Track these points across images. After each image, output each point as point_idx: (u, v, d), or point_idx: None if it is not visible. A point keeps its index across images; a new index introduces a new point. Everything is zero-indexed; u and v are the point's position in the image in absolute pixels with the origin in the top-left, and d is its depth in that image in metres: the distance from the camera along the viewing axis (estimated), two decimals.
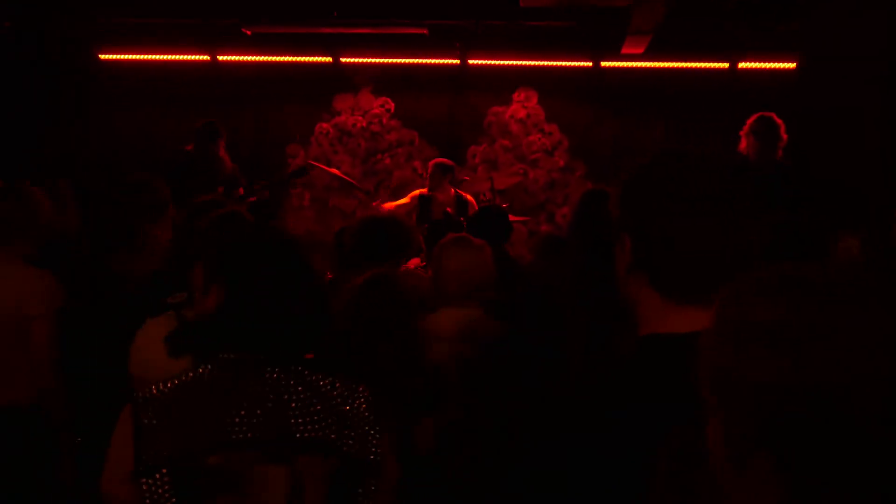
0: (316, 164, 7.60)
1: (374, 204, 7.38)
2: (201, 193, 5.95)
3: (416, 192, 7.19)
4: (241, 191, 6.36)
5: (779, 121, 5.01)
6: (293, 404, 1.61)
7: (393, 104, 8.71)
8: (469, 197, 6.93)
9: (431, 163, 7.16)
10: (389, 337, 2.58)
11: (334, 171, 7.48)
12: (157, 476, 1.54)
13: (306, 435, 1.59)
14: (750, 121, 5.07)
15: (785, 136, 4.99)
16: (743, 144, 5.09)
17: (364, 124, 8.69)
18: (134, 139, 8.56)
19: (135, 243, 3.21)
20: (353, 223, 3.86)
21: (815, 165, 5.42)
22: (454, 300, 3.21)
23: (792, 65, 7.67)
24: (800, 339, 0.79)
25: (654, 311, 1.25)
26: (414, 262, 5.62)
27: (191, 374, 1.64)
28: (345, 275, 3.41)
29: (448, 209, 6.44)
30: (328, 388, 1.66)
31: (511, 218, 7.21)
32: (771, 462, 0.79)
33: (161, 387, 1.62)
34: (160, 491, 1.54)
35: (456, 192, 6.86)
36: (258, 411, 1.59)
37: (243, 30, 8.00)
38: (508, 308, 3.26)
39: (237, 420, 1.58)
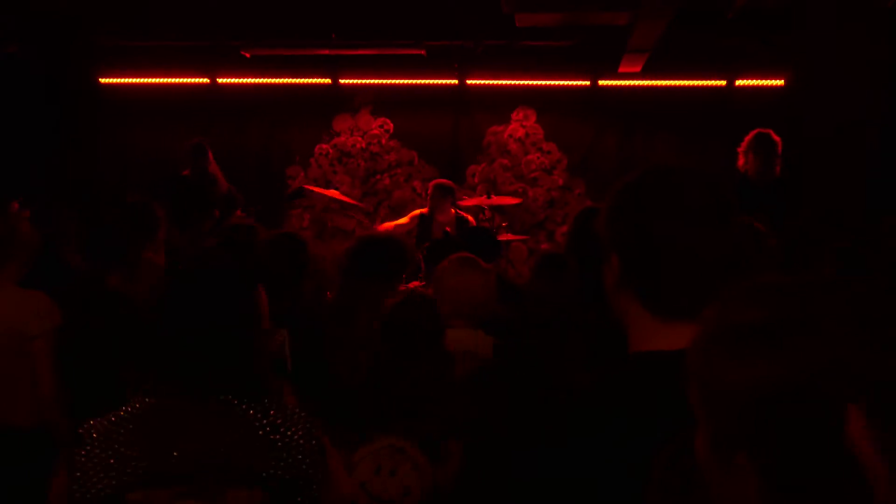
0: (313, 188, 7.61)
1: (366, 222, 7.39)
2: (200, 216, 5.98)
3: (416, 211, 7.21)
4: (239, 212, 6.37)
5: (776, 137, 5.03)
6: (220, 437, 1.60)
7: (392, 125, 8.74)
8: (469, 216, 6.95)
9: (431, 184, 7.17)
10: (423, 355, 2.57)
11: (333, 193, 7.50)
12: None
13: (232, 467, 1.57)
14: (748, 138, 5.08)
15: (780, 152, 5.01)
16: (741, 161, 5.10)
17: (363, 145, 8.72)
18: (133, 161, 8.59)
19: (130, 265, 3.21)
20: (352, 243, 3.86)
21: (810, 179, 5.43)
22: (456, 321, 3.19)
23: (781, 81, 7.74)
24: (772, 340, 0.80)
25: (643, 329, 1.25)
26: (414, 284, 5.62)
27: (125, 410, 1.64)
28: (342, 294, 3.41)
29: (447, 229, 6.45)
30: (258, 418, 1.63)
31: (510, 237, 7.26)
32: (751, 462, 0.80)
33: (97, 424, 1.62)
34: None
35: (456, 212, 6.88)
36: (184, 445, 1.58)
37: (242, 52, 8.04)
38: (507, 327, 3.26)
39: (162, 455, 1.57)
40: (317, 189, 7.54)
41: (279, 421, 1.64)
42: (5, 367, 3.08)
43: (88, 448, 1.59)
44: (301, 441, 1.64)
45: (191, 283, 1.74)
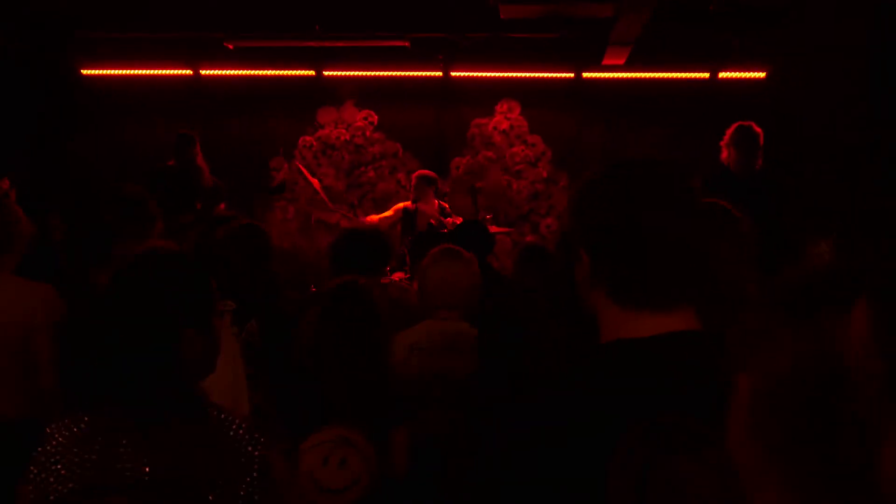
0: (303, 168, 7.60)
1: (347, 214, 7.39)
2: (182, 208, 5.96)
3: (400, 204, 7.21)
4: (223, 206, 6.35)
5: (758, 130, 5.05)
6: (162, 453, 1.62)
7: (376, 117, 8.73)
8: (457, 219, 6.95)
9: (415, 175, 7.18)
10: (354, 345, 2.57)
11: (314, 182, 7.48)
12: None
13: (175, 483, 1.60)
14: (729, 131, 5.11)
15: (762, 145, 5.03)
16: (724, 154, 5.12)
17: (348, 137, 8.70)
18: (116, 154, 8.54)
19: (117, 261, 3.19)
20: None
21: (791, 171, 5.47)
22: (439, 312, 3.20)
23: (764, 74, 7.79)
24: (802, 323, 0.82)
25: (612, 320, 1.27)
26: (398, 275, 5.63)
27: (83, 419, 1.67)
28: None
29: (432, 221, 6.46)
30: (196, 432, 1.65)
31: (495, 229, 7.27)
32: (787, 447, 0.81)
33: (61, 427, 1.67)
34: None
35: (440, 203, 6.88)
36: (124, 458, 1.61)
37: (226, 44, 8.00)
38: (492, 320, 3.26)
39: (104, 467, 1.61)
40: (305, 171, 7.53)
41: (223, 438, 1.65)
42: (6, 359, 3.05)
43: (48, 450, 1.64)
44: (244, 459, 1.65)
45: (116, 290, 1.75)
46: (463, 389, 2.95)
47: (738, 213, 1.78)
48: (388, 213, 7.21)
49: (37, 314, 3.05)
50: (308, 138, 8.72)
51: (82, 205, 3.46)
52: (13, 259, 3.19)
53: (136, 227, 3.26)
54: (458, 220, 6.89)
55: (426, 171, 7.17)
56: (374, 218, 7.22)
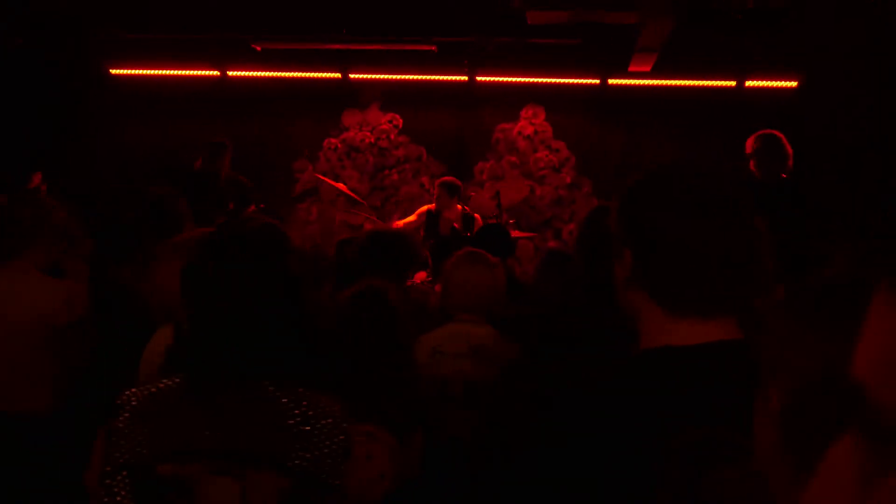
0: (322, 177, 7.63)
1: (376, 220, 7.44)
2: (209, 211, 6.01)
3: (423, 207, 7.21)
4: (253, 207, 6.38)
5: (782, 137, 5.00)
6: (248, 420, 1.63)
7: (401, 120, 8.75)
8: (475, 214, 6.95)
9: (438, 182, 7.18)
10: (376, 348, 2.58)
11: (340, 185, 7.51)
12: (119, 478, 1.60)
13: (257, 450, 1.61)
14: (754, 139, 5.06)
15: (791, 152, 4.98)
16: (751, 162, 5.08)
17: (372, 140, 8.73)
18: (144, 154, 8.62)
19: (143, 259, 3.20)
20: (357, 236, 3.87)
21: (818, 179, 5.42)
22: (462, 315, 3.20)
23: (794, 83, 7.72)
24: (824, 327, 0.82)
25: (656, 325, 1.26)
26: (420, 277, 5.64)
27: (162, 385, 1.68)
28: (347, 288, 3.42)
29: (455, 225, 6.46)
30: (290, 406, 1.64)
31: (518, 234, 7.27)
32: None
33: (137, 394, 1.67)
34: (122, 493, 1.60)
35: (463, 208, 6.89)
36: (213, 424, 1.63)
37: (253, 46, 8.06)
38: (517, 325, 3.26)
39: (192, 431, 1.62)
40: (327, 179, 7.56)
41: (310, 413, 1.65)
42: (28, 355, 3.06)
43: (126, 416, 1.64)
44: (327, 436, 1.64)
45: (222, 256, 1.72)
46: (485, 392, 2.95)
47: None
48: (411, 218, 7.22)
49: (60, 312, 3.06)
50: (332, 140, 8.76)
51: (104, 204, 3.47)
52: (41, 255, 3.19)
53: (159, 227, 3.28)
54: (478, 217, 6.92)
55: (450, 179, 7.17)
56: (400, 223, 7.23)
